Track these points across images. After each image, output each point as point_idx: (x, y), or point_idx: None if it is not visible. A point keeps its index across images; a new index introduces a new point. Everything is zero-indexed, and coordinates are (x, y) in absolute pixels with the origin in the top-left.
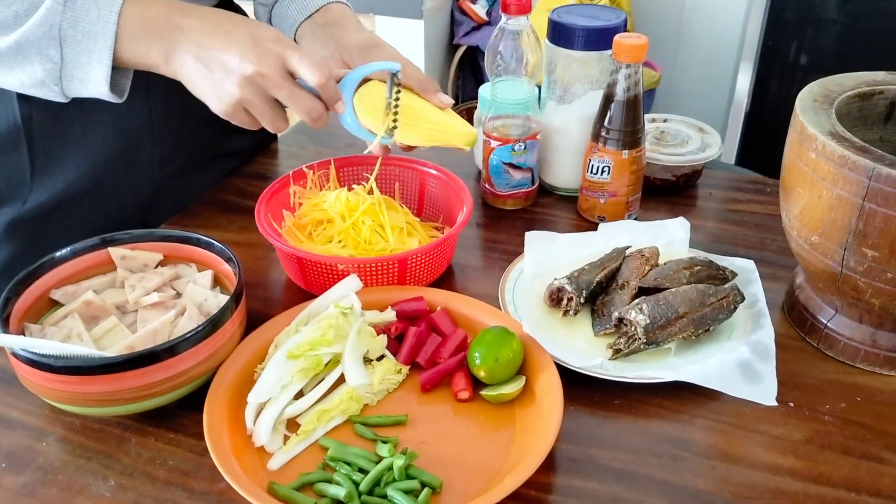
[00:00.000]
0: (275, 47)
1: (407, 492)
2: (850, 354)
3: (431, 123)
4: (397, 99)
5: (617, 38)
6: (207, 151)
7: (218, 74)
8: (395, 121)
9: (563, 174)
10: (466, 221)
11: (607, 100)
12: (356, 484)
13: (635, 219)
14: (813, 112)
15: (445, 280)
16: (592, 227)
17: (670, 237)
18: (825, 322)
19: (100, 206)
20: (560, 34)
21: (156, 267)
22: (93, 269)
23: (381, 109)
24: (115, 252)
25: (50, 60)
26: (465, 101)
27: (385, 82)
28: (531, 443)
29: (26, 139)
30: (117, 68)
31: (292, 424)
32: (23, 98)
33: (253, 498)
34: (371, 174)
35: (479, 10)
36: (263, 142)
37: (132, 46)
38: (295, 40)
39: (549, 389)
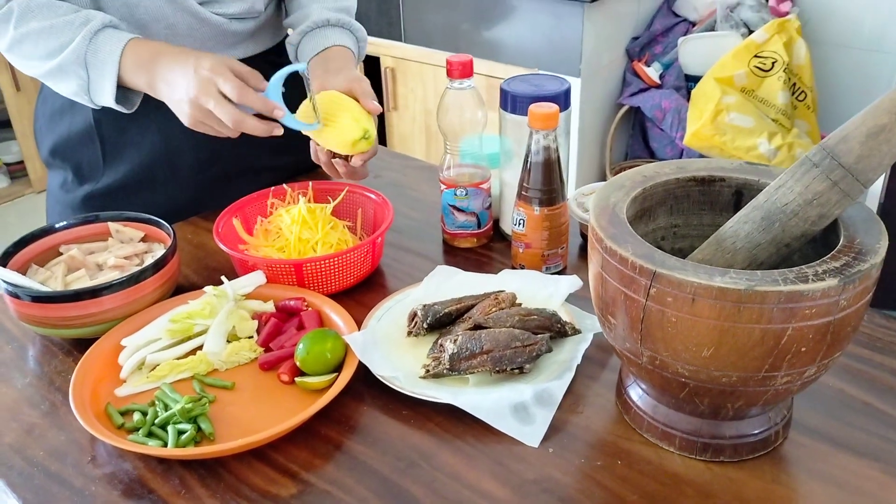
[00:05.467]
0: (208, 75)
1: (182, 432)
2: (637, 422)
3: (332, 118)
4: (311, 92)
5: (531, 107)
6: (246, 164)
7: (177, 97)
8: (316, 105)
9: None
10: (368, 242)
11: (526, 161)
12: (156, 417)
13: (559, 272)
14: (615, 186)
15: (362, 291)
16: None
17: (553, 291)
18: (626, 388)
19: (154, 195)
20: (509, 101)
21: (139, 241)
22: (97, 235)
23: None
24: (112, 226)
25: (80, 78)
26: (632, 158)
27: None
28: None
29: (98, 136)
30: (125, 88)
31: None
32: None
33: (75, 406)
34: (335, 199)
35: (653, 73)
36: (307, 162)
37: (129, 74)
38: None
39: (339, 384)
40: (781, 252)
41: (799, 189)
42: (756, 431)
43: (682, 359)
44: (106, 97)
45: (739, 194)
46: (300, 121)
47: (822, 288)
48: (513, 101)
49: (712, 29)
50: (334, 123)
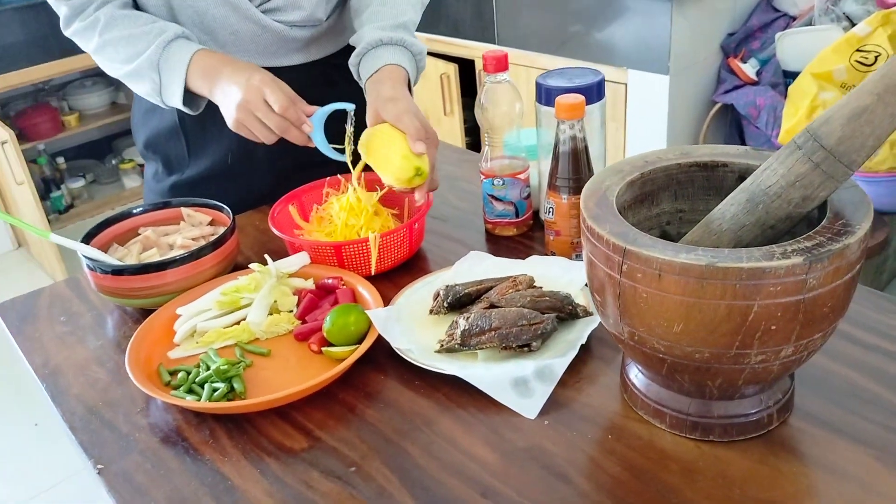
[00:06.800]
0: (259, 85)
1: (216, 389)
2: (633, 400)
3: (386, 158)
4: (354, 132)
5: (557, 98)
6: (316, 156)
7: (227, 101)
8: (354, 147)
9: None
10: (403, 227)
11: (555, 151)
12: (197, 376)
13: None
14: (613, 171)
15: (401, 273)
16: None
17: (575, 276)
18: (626, 367)
19: (232, 185)
20: (543, 95)
21: (207, 225)
22: (171, 219)
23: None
24: (184, 210)
25: (153, 81)
26: None
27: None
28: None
29: (182, 132)
30: (192, 93)
31: None
32: None
33: (129, 364)
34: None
35: (749, 69)
36: None
37: (194, 80)
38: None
39: (357, 353)
40: (766, 234)
41: (782, 171)
42: (747, 413)
43: (657, 334)
44: (175, 99)
45: (743, 180)
46: (334, 149)
47: (785, 265)
48: (546, 94)
49: (812, 23)
50: (388, 161)
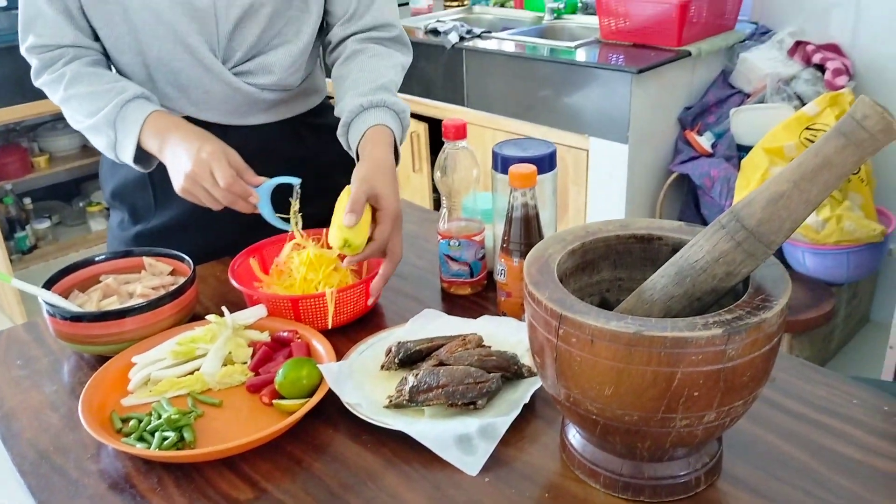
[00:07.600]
0: (206, 157)
1: (165, 438)
2: (571, 460)
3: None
4: (297, 205)
5: (511, 167)
6: (279, 212)
7: (176, 166)
8: (298, 219)
9: None
10: (359, 284)
11: (507, 216)
12: (148, 424)
13: None
14: (556, 240)
15: (356, 328)
16: None
17: (523, 337)
18: (565, 428)
19: (199, 235)
20: (499, 163)
21: (168, 275)
22: (133, 267)
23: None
24: (146, 260)
25: (108, 137)
26: None
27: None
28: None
29: (150, 184)
30: (143, 151)
31: None
32: None
33: (82, 409)
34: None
35: (704, 142)
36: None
37: (146, 139)
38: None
39: (306, 407)
40: (694, 305)
41: (707, 248)
42: (675, 475)
43: (590, 396)
44: (127, 156)
45: (676, 253)
46: (280, 219)
47: (706, 336)
48: (502, 162)
49: (765, 101)
50: (332, 227)
